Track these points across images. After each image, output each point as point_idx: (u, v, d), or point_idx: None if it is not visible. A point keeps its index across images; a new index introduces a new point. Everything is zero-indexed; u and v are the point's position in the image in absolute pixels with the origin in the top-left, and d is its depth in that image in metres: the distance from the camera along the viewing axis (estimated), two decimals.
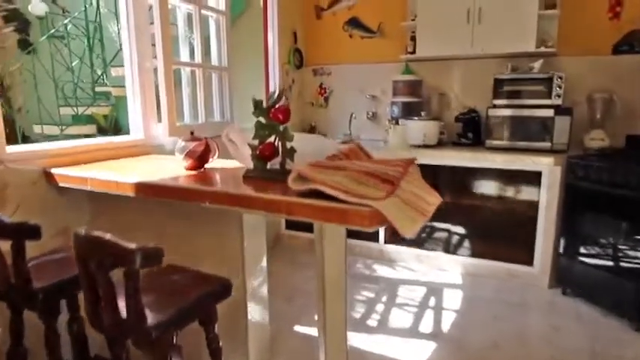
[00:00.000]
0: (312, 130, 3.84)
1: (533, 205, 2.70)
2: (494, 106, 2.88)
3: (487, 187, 2.87)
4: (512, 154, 2.71)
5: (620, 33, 2.80)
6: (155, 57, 2.15)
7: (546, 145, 2.72)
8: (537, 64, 2.84)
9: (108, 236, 0.97)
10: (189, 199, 1.35)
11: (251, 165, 1.45)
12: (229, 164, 1.70)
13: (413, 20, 3.16)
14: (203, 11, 2.46)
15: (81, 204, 1.85)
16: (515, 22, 2.76)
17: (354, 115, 3.63)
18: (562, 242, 2.63)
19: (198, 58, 2.47)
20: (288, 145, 1.39)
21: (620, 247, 2.37)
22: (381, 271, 3.00)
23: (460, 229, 2.98)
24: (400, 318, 2.36)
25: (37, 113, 3.84)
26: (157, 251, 0.94)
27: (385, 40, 3.49)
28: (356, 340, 2.13)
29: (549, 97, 2.72)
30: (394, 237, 3.13)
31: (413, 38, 3.19)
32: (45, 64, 3.85)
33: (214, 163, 1.67)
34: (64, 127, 3.79)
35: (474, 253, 2.93)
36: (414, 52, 3.17)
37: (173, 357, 1.13)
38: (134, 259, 0.92)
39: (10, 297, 1.33)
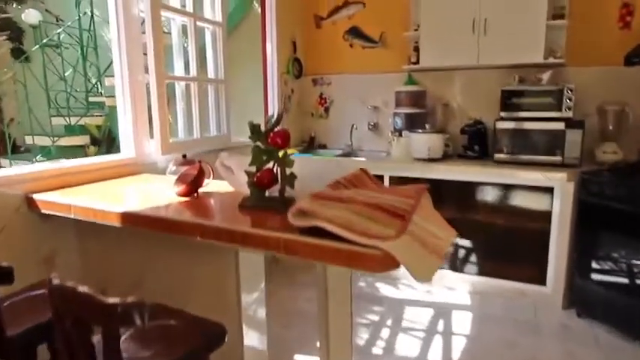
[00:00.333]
0: (311, 140, 3.73)
1: (545, 222, 2.58)
2: (502, 119, 2.77)
3: (496, 202, 2.75)
4: (522, 168, 2.60)
5: (631, 43, 2.69)
6: (147, 71, 2.04)
7: (557, 159, 2.61)
8: (546, 75, 2.74)
9: (84, 289, 0.85)
10: (179, 232, 1.23)
11: (248, 191, 1.33)
12: (225, 188, 1.59)
13: (416, 30, 3.06)
14: (199, 23, 2.36)
15: (67, 229, 1.73)
16: (523, 33, 2.66)
17: (355, 126, 3.52)
18: (576, 261, 2.51)
19: (193, 71, 2.36)
20: (288, 171, 1.28)
21: (638, 266, 2.25)
22: (385, 290, 2.88)
23: (468, 246, 2.86)
24: (407, 344, 2.23)
25: (29, 124, 3.74)
26: (140, 308, 0.82)
27: (387, 50, 3.39)
28: None
29: (559, 109, 2.62)
30: None
31: (416, 48, 3.08)
32: (38, 74, 3.75)
33: (209, 187, 1.56)
34: (56, 139, 3.67)
35: (483, 271, 2.80)
36: (417, 62, 3.06)
37: None
38: (114, 318, 0.80)
39: None
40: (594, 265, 2.44)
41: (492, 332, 2.35)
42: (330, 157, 3.32)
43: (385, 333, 2.35)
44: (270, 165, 1.28)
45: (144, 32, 2.06)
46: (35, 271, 1.62)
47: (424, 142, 2.86)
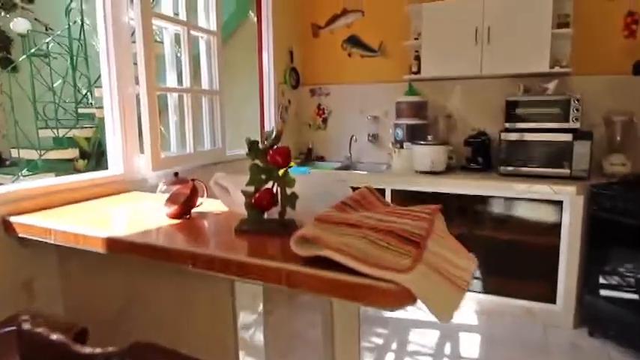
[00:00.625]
0: (309, 152, 3.62)
1: (554, 237, 2.48)
2: (507, 130, 2.68)
3: (502, 217, 2.65)
4: (529, 181, 2.50)
5: (637, 51, 2.63)
6: (137, 82, 1.93)
7: (565, 171, 2.52)
8: (552, 85, 2.66)
9: (58, 337, 0.73)
10: (168, 260, 1.11)
11: (245, 212, 1.21)
12: (220, 208, 1.47)
13: (416, 39, 2.98)
14: (192, 32, 2.25)
15: (48, 253, 1.60)
16: (528, 41, 2.58)
17: (354, 138, 3.43)
18: (587, 277, 2.41)
19: (186, 82, 2.25)
20: (289, 190, 1.16)
21: None
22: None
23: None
24: None
25: (15, 136, 3.60)
26: (123, 357, 0.70)
27: (387, 60, 3.30)
28: None
29: (566, 120, 2.53)
30: None
31: (417, 57, 3.00)
32: (26, 84, 3.62)
33: (202, 206, 1.44)
34: (43, 152, 3.53)
35: (489, 289, 2.69)
36: (418, 71, 2.98)
37: None
38: None
39: None
40: (606, 281, 2.34)
41: (500, 354, 2.23)
42: (329, 169, 3.21)
43: (390, 358, 2.22)
44: (269, 185, 1.17)
45: (134, 41, 1.95)
46: (13, 299, 1.49)
47: (427, 154, 2.76)
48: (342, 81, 3.50)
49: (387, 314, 2.69)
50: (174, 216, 1.34)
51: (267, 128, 3.21)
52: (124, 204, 1.67)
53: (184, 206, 1.35)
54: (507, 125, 2.68)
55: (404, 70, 3.14)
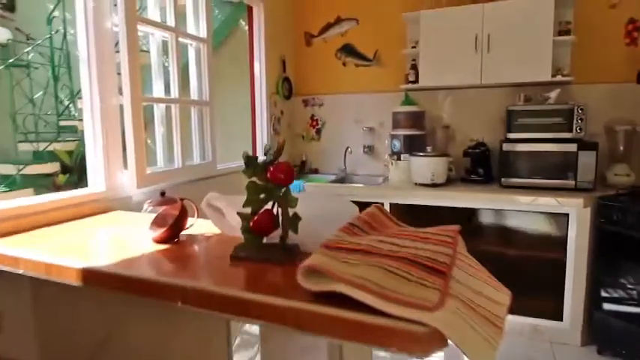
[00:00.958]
0: (303, 165, 3.50)
1: (560, 251, 2.38)
2: (508, 140, 2.60)
3: (506, 230, 2.55)
4: (533, 193, 2.41)
5: (638, 59, 2.58)
6: (121, 92, 1.79)
7: (570, 183, 2.43)
8: (554, 94, 2.59)
9: None
10: (153, 296, 0.97)
11: (241, 236, 1.08)
12: (212, 229, 1.33)
13: (414, 48, 2.90)
14: (181, 39, 2.13)
15: (19, 284, 1.43)
16: (529, 50, 2.51)
17: (349, 149, 3.31)
18: (595, 294, 2.31)
19: (174, 92, 2.11)
20: (291, 211, 1.03)
21: None
22: None
23: None
24: None
25: None
26: None
27: (382, 69, 3.22)
28: None
29: (570, 130, 2.46)
30: None
31: (414, 66, 2.92)
32: (5, 95, 3.45)
33: (193, 228, 1.29)
34: (22, 167, 3.34)
35: None
36: (415, 81, 2.89)
37: None
38: None
39: None
40: (615, 297, 2.24)
41: None
42: (323, 182, 3.08)
43: None
44: (269, 205, 1.04)
45: (117, 51, 1.81)
46: None
47: (427, 166, 2.66)
48: (336, 91, 3.39)
49: None
50: (160, 240, 1.20)
51: (259, 140, 3.08)
52: (104, 226, 1.51)
53: (172, 230, 1.20)
54: (509, 135, 2.60)
55: (399, 79, 3.05)
